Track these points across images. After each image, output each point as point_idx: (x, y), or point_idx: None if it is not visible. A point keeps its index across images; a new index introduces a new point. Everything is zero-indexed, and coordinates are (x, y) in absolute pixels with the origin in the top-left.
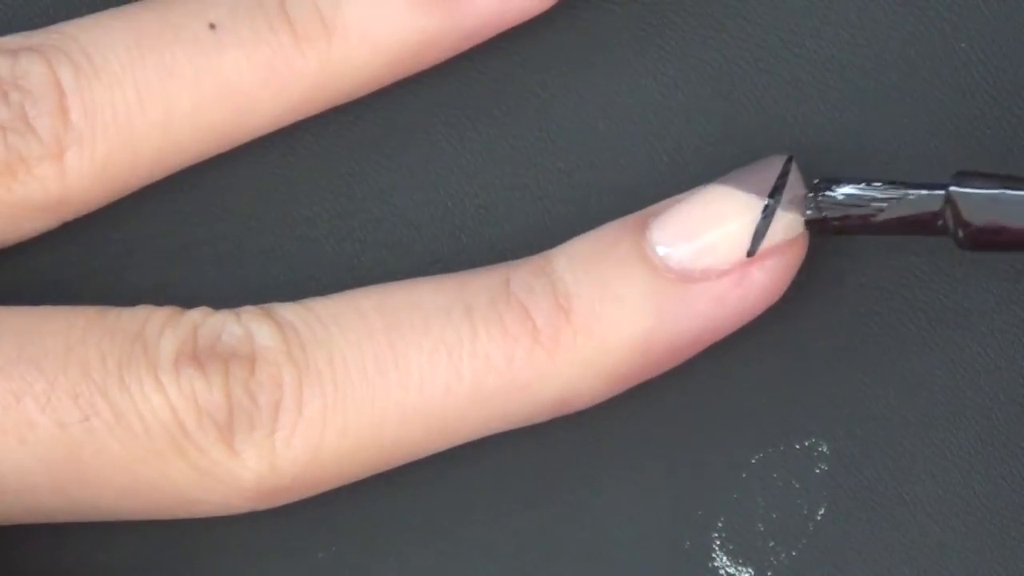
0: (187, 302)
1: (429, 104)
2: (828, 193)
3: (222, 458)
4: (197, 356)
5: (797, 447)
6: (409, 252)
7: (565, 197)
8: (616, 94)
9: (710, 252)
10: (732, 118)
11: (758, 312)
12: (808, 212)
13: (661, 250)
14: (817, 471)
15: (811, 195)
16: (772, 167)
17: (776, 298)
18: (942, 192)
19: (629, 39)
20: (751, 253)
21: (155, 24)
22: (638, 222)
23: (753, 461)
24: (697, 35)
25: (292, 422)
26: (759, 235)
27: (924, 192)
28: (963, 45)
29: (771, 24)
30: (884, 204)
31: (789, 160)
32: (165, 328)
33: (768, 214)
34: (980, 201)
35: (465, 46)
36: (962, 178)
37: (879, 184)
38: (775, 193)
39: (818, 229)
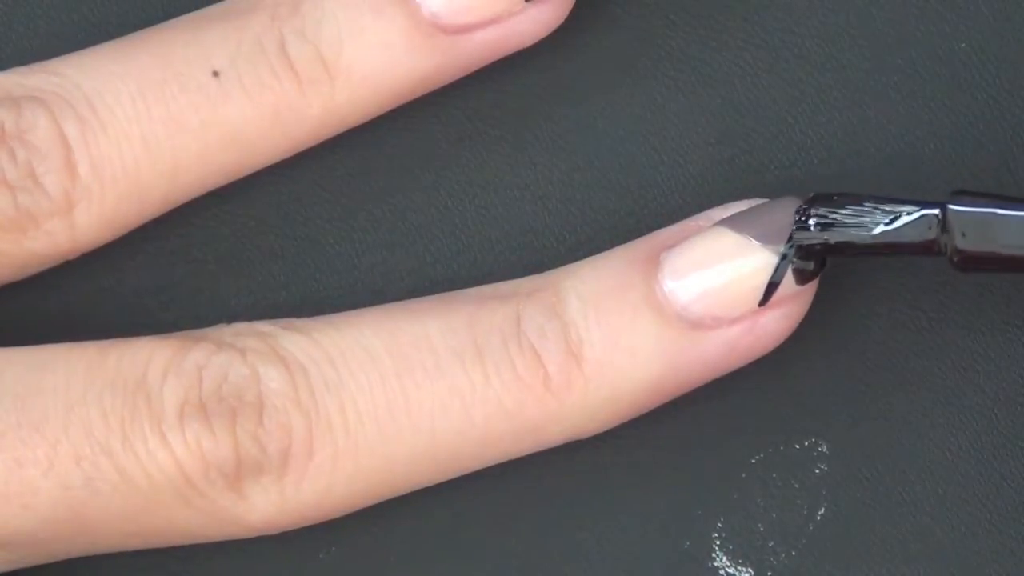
0: (187, 302)
1: (429, 104)
2: (821, 214)
3: (229, 503)
4: (203, 404)
5: (797, 447)
6: (409, 253)
7: (565, 197)
8: (616, 94)
9: (722, 301)
10: (732, 118)
11: (765, 353)
12: (800, 235)
13: (672, 296)
14: (817, 471)
15: (805, 213)
16: (787, 213)
17: (784, 338)
18: (937, 210)
19: (629, 39)
20: (763, 303)
21: (158, 72)
22: (650, 259)
23: (753, 461)
24: (697, 35)
25: (302, 467)
26: (772, 287)
27: (918, 214)
28: (963, 45)
29: (771, 24)
30: (881, 223)
31: (802, 206)
32: (168, 374)
33: (782, 265)
34: (973, 225)
35: (467, 73)
36: (959, 196)
37: (874, 203)
38: (789, 241)
39: (807, 253)
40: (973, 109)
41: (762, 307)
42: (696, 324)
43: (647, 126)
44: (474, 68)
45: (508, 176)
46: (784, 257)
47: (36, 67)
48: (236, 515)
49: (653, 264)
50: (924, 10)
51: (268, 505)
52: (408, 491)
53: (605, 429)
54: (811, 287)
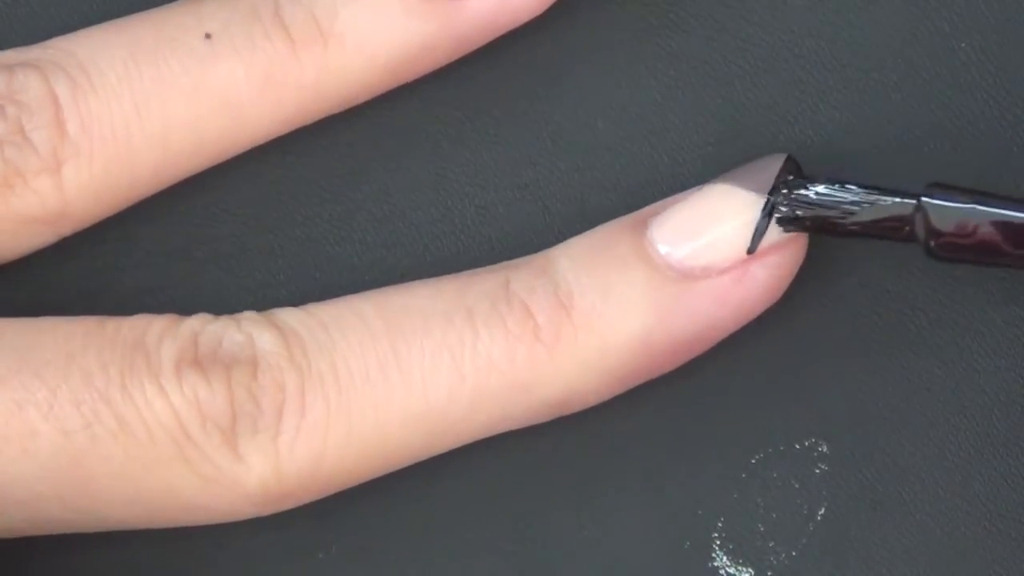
0: (187, 303)
1: (429, 104)
2: (801, 192)
3: (226, 463)
4: (199, 361)
5: (797, 447)
6: (409, 252)
7: (565, 197)
8: (616, 94)
9: (710, 250)
10: (732, 118)
11: (759, 311)
12: (781, 210)
13: (662, 248)
14: (817, 471)
15: (784, 192)
16: (772, 165)
17: (777, 296)
18: (914, 201)
19: (629, 39)
20: (751, 251)
21: (151, 37)
22: (637, 222)
23: (753, 461)
24: (697, 35)
25: (295, 425)
26: (759, 233)
27: (896, 199)
28: (963, 45)
29: (771, 24)
30: (856, 207)
31: (789, 158)
32: (165, 337)
33: (768, 212)
34: (951, 213)
35: (461, 52)
36: (935, 189)
37: (852, 187)
38: (775, 191)
39: (789, 227)
40: (973, 109)
41: (751, 256)
42: (686, 274)
43: (647, 126)
44: (470, 44)
45: (508, 176)
46: (769, 203)
47: (35, 45)
48: (234, 478)
49: (642, 225)
50: (924, 10)
51: (264, 466)
52: (404, 463)
53: (599, 394)
54: (801, 239)
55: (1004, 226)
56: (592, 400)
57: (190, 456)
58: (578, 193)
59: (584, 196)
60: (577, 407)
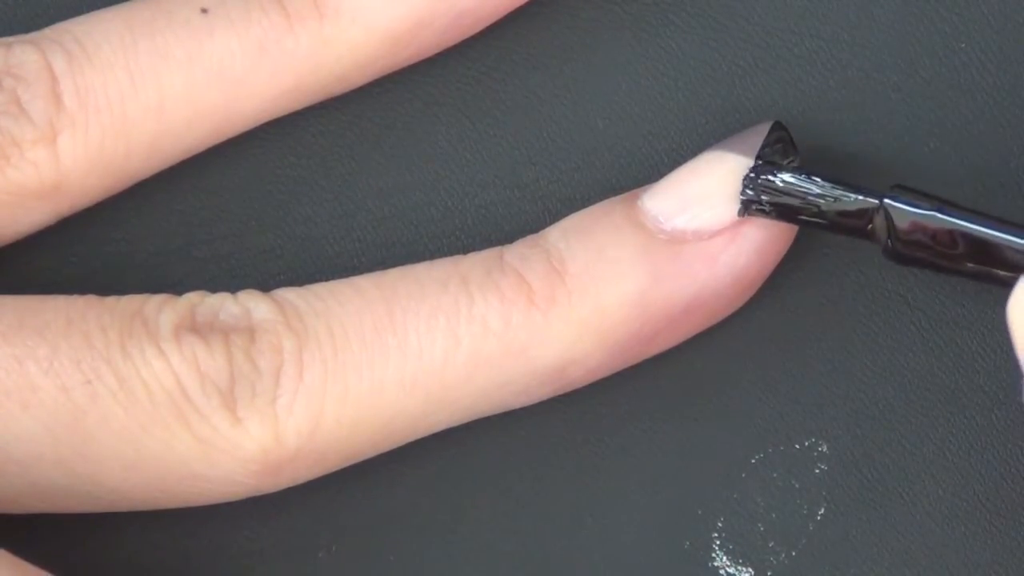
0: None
1: (429, 104)
2: (767, 177)
3: (225, 426)
4: (197, 329)
5: (797, 447)
6: (409, 252)
7: (565, 197)
8: (616, 94)
9: (701, 213)
10: (732, 118)
11: (751, 277)
12: (745, 192)
13: (653, 215)
14: (817, 471)
15: (751, 176)
16: (761, 130)
17: (772, 259)
18: (876, 200)
19: (629, 39)
20: (742, 212)
21: (147, 12)
22: (630, 195)
23: (753, 461)
24: (697, 35)
25: (294, 387)
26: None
27: (859, 196)
28: (963, 45)
29: (771, 24)
30: (820, 200)
31: (776, 124)
32: (163, 307)
33: (755, 170)
34: (912, 216)
35: (459, 29)
36: (899, 191)
37: (818, 179)
38: (762, 154)
39: (750, 211)
40: (973, 109)
41: (742, 218)
42: (678, 238)
43: (647, 126)
44: (469, 22)
45: (508, 176)
46: (758, 164)
47: (36, 32)
48: (233, 442)
49: (634, 197)
50: (924, 10)
51: (263, 430)
52: (403, 435)
53: (597, 361)
54: None
55: (962, 236)
56: (591, 367)
57: (189, 418)
58: (578, 193)
59: (584, 196)
60: (577, 377)
